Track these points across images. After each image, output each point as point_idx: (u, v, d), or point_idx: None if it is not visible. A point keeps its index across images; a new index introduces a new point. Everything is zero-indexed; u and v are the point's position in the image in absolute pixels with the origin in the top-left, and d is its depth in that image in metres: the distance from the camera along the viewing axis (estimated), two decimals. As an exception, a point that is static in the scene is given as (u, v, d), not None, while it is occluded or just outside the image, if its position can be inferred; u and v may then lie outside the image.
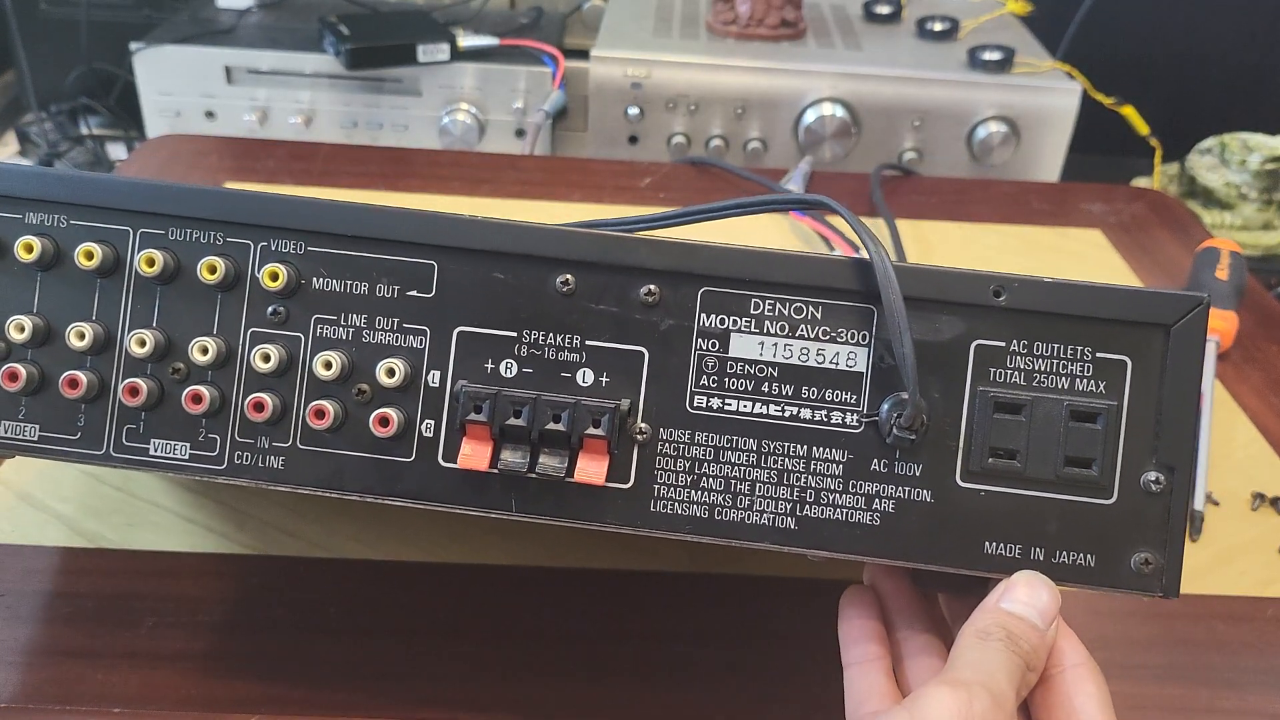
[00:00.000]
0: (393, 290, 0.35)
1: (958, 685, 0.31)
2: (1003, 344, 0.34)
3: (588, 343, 0.35)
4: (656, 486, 0.35)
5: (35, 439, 0.36)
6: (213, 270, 0.35)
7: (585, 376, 0.35)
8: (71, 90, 1.22)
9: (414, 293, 0.35)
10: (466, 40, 1.10)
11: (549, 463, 0.34)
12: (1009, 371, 0.34)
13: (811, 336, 0.34)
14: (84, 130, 1.23)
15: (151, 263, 0.35)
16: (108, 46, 1.19)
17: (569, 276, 0.35)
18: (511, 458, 0.34)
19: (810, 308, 0.34)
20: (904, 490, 0.35)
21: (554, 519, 0.35)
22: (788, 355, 0.34)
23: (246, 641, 0.45)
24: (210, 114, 1.12)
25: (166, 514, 0.51)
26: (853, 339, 0.34)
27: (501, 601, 0.48)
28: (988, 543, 0.35)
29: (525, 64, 1.11)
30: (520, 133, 1.12)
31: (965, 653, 0.33)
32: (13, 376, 0.35)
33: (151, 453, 0.36)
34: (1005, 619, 0.33)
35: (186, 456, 0.36)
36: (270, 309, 0.36)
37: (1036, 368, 0.34)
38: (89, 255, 0.35)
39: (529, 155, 1.04)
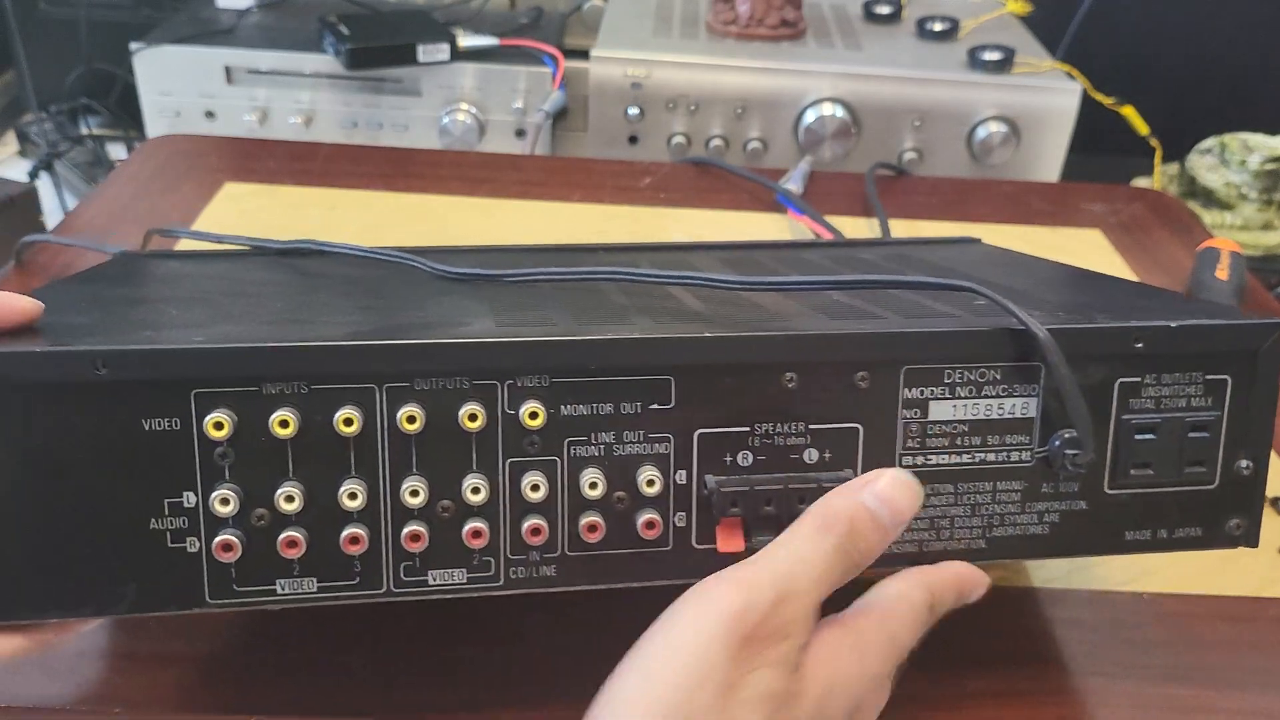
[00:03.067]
0: (635, 407, 0.38)
1: (740, 585, 0.33)
2: (1139, 379, 0.40)
3: (811, 426, 0.39)
4: None
5: (315, 591, 0.37)
6: (473, 418, 0.36)
7: (811, 455, 0.39)
8: (71, 90, 1.22)
9: (655, 405, 0.38)
10: (466, 40, 1.10)
11: None
12: (1144, 400, 0.41)
13: (994, 395, 0.40)
14: (84, 130, 1.23)
15: (412, 420, 0.36)
16: (107, 46, 1.19)
17: (793, 374, 0.38)
18: (763, 539, 0.38)
19: (992, 372, 0.40)
20: (1067, 504, 0.41)
21: None
22: (974, 413, 0.40)
23: (247, 642, 0.45)
24: (210, 114, 1.12)
25: (167, 514, 0.51)
26: (1025, 391, 0.40)
27: (507, 600, 0.48)
28: (1128, 532, 0.42)
29: (525, 64, 1.11)
30: (520, 133, 1.12)
31: (793, 541, 0.35)
32: (292, 544, 0.36)
33: (430, 583, 0.38)
34: (857, 512, 0.36)
35: (464, 581, 0.38)
36: (526, 440, 0.37)
37: (1163, 394, 0.41)
38: (348, 422, 0.36)
39: (529, 155, 1.04)
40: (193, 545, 0.36)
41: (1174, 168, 1.21)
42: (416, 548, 0.37)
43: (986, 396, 0.40)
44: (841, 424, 0.39)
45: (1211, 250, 0.78)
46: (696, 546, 0.39)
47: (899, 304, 0.43)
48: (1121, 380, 0.40)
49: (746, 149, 1.08)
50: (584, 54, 1.08)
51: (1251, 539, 0.43)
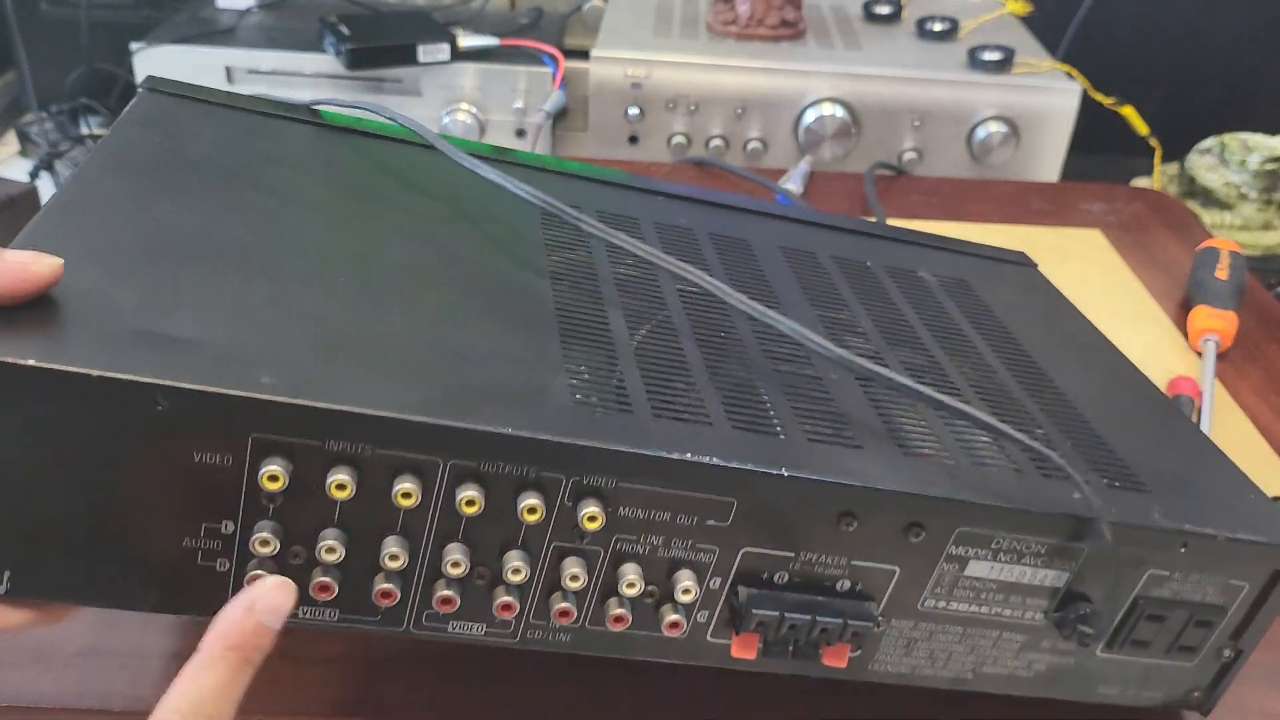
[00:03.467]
0: (692, 519, 0.37)
1: None
2: (1169, 574, 0.42)
3: (853, 563, 0.39)
4: (878, 655, 0.42)
5: (335, 620, 0.37)
6: (533, 511, 0.35)
7: (843, 585, 0.40)
8: (72, 90, 1.22)
9: (711, 522, 0.38)
10: (467, 40, 1.10)
11: (807, 658, 0.40)
12: (1164, 590, 0.42)
13: (1032, 564, 0.41)
14: (84, 130, 1.23)
15: (471, 503, 0.35)
16: (108, 46, 1.19)
17: (854, 521, 0.38)
18: (775, 654, 0.40)
19: (1037, 544, 0.40)
20: (1058, 658, 0.43)
21: (794, 673, 0.41)
22: (1009, 576, 0.41)
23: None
24: (210, 114, 1.12)
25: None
26: (1061, 566, 0.41)
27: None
28: (1101, 686, 0.44)
29: (525, 64, 1.11)
30: (521, 133, 1.12)
31: (195, 678, 0.33)
32: (324, 588, 0.36)
33: (449, 631, 0.38)
34: (245, 625, 0.34)
35: (482, 634, 0.38)
36: (577, 533, 0.37)
37: (1185, 587, 0.42)
38: (406, 495, 0.34)
39: (529, 155, 1.03)
40: (222, 565, 0.35)
41: (1174, 167, 1.21)
42: (446, 609, 0.37)
43: (1024, 564, 0.41)
44: (881, 565, 0.40)
45: (1211, 250, 0.79)
46: (710, 640, 0.40)
47: (963, 436, 0.43)
48: (1154, 572, 0.41)
49: (746, 149, 1.08)
50: (584, 54, 1.08)
51: (1206, 708, 0.45)
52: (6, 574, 0.34)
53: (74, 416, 0.32)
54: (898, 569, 0.40)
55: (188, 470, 0.33)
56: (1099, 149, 1.19)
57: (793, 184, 0.90)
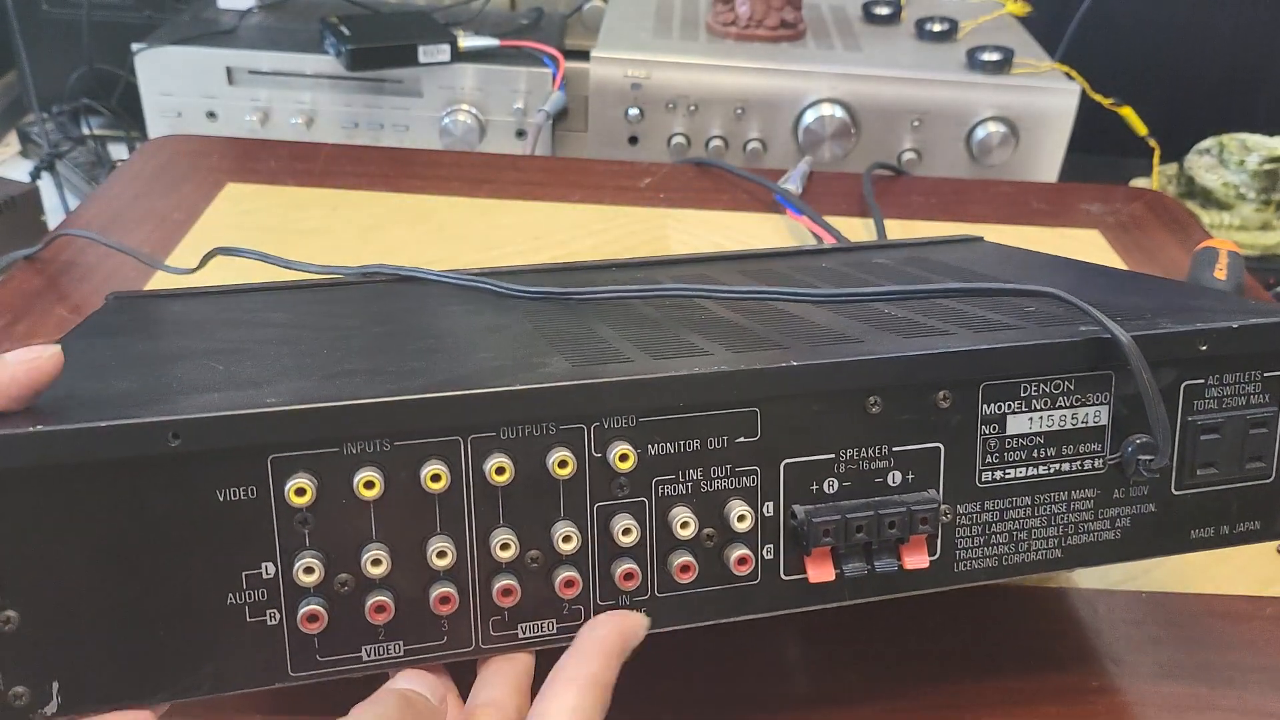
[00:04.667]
0: (722, 441, 0.37)
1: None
2: (1203, 381, 0.41)
3: (894, 449, 0.39)
4: (957, 552, 0.40)
5: (401, 654, 0.36)
6: (563, 465, 0.35)
7: (895, 478, 0.39)
8: (73, 91, 1.22)
9: (741, 439, 0.37)
10: (467, 41, 1.11)
11: (885, 561, 0.39)
12: (1207, 400, 0.41)
13: (1067, 405, 0.40)
14: (85, 130, 1.23)
15: (501, 471, 0.35)
16: (109, 47, 1.20)
17: (877, 398, 0.38)
18: (854, 566, 0.39)
19: (1065, 382, 0.40)
20: (1136, 508, 0.42)
21: (881, 596, 0.40)
22: (1049, 424, 0.40)
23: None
24: (212, 114, 1.12)
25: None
26: (1098, 400, 0.41)
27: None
28: (1193, 531, 0.43)
29: (526, 65, 1.11)
30: (521, 133, 1.12)
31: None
32: (380, 609, 0.35)
33: (520, 636, 0.37)
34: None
35: (554, 632, 0.37)
36: (615, 483, 0.37)
37: (1225, 394, 0.42)
38: (435, 478, 0.34)
39: (530, 156, 1.04)
40: (273, 618, 0.34)
41: (1172, 168, 1.22)
42: (509, 602, 0.36)
43: (1061, 407, 0.40)
44: (923, 444, 0.39)
45: (1209, 250, 0.79)
46: (784, 578, 0.39)
47: (958, 316, 0.43)
48: (1187, 383, 0.41)
49: (746, 149, 1.09)
50: (584, 55, 1.09)
51: None
52: (55, 685, 0.33)
53: (94, 484, 0.32)
54: (941, 445, 0.39)
55: (215, 513, 0.33)
56: (1098, 149, 1.19)
57: (792, 184, 0.90)
